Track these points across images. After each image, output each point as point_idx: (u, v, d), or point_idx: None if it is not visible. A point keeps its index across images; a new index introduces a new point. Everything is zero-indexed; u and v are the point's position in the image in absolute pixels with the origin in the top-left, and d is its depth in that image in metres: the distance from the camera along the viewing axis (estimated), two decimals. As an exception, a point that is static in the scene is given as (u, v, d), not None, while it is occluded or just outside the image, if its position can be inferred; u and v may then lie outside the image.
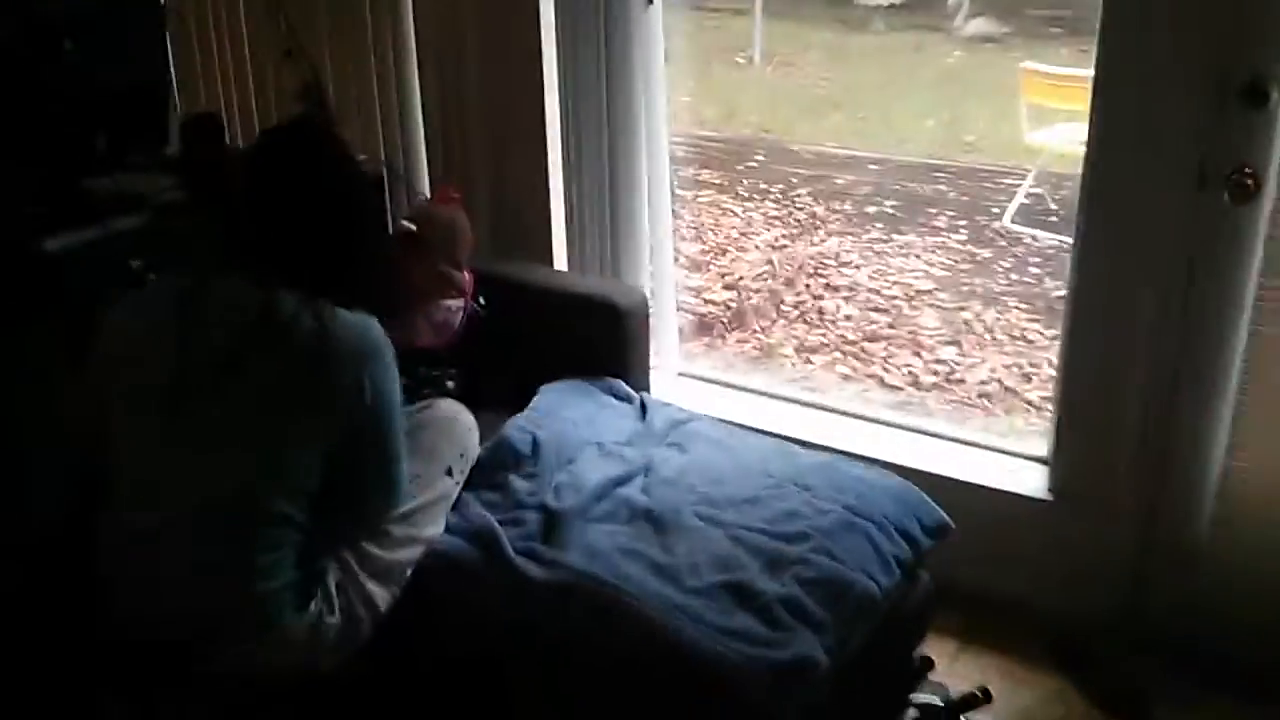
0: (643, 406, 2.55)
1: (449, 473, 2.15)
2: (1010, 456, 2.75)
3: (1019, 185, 5.27)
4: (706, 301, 4.62)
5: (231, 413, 1.83)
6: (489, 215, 3.05)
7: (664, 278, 3.04)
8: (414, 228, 2.68)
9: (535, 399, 2.52)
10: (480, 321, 2.73)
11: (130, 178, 2.96)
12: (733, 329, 4.45)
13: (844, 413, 2.97)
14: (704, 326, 4.42)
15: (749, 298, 4.64)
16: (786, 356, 4.26)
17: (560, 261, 3.00)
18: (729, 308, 4.59)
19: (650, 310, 2.78)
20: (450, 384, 2.66)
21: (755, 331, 4.43)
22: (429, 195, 3.16)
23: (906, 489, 2.25)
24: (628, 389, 2.60)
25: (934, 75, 7.07)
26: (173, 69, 3.47)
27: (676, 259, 5.17)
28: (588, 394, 2.57)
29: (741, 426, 2.81)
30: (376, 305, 2.04)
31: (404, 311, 2.73)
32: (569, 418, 2.44)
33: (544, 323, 2.72)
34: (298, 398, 1.85)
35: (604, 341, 2.64)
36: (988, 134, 6.37)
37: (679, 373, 3.13)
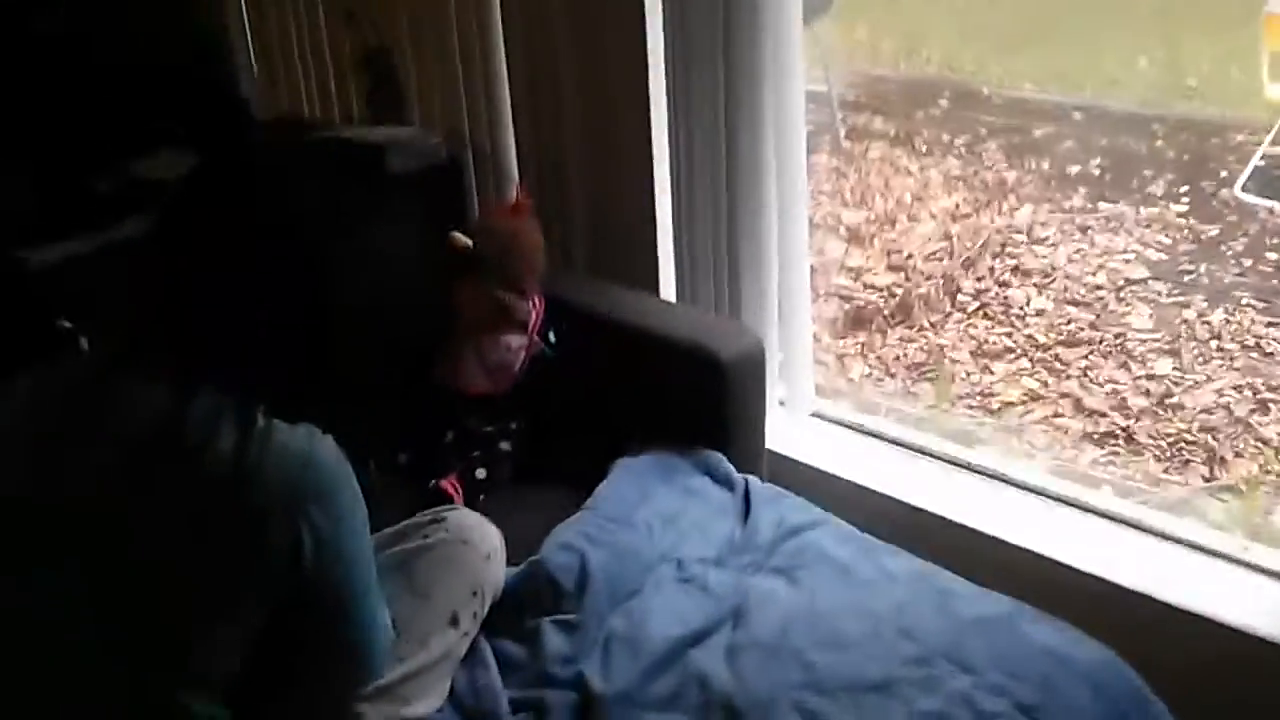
0: (746, 499, 1.85)
1: (454, 622, 1.51)
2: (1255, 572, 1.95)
3: (1255, 145, 4.24)
4: (867, 286, 3.84)
5: (104, 577, 1.23)
6: (585, 227, 2.36)
7: (797, 297, 2.29)
8: (469, 242, 2.03)
9: (604, 486, 1.85)
10: (548, 365, 2.09)
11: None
12: (895, 323, 3.65)
13: (1026, 487, 2.19)
14: (860, 319, 3.65)
15: (918, 285, 3.82)
16: (960, 363, 3.46)
17: (668, 288, 2.30)
18: (893, 295, 3.78)
19: (766, 354, 2.07)
20: (505, 445, 2.02)
21: (923, 329, 3.63)
22: (512, 190, 2.48)
23: (1113, 670, 1.50)
24: (729, 469, 1.90)
25: (1151, 2, 5.93)
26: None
27: (837, 229, 4.44)
28: (675, 476, 1.88)
29: (888, 501, 2.10)
30: (352, 409, 1.42)
31: (452, 346, 2.09)
32: (642, 520, 1.76)
33: (630, 372, 2.04)
34: (198, 559, 1.23)
35: (703, 402, 1.94)
36: (1214, 78, 5.26)
37: (812, 413, 2.40)
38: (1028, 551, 1.96)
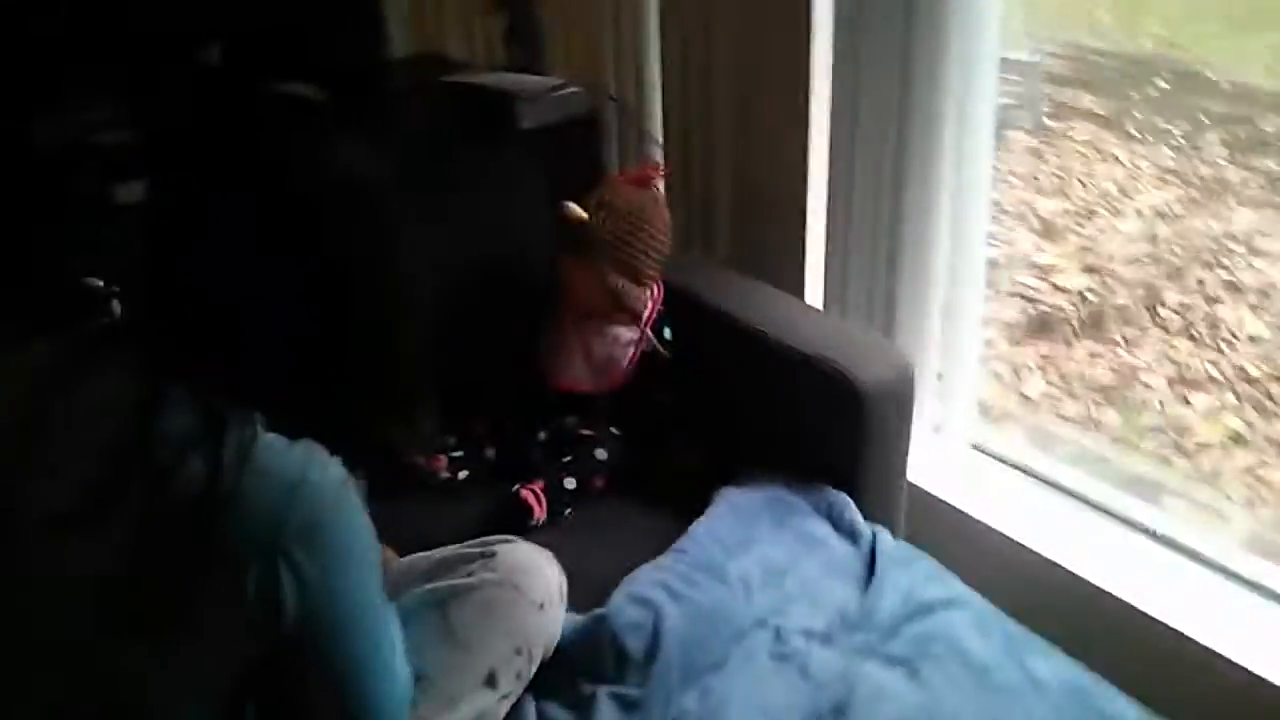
0: (872, 558, 1.53)
1: (491, 682, 1.25)
2: None
3: None
4: (1055, 289, 3.39)
5: (58, 618, 1.01)
6: (728, 212, 2.04)
7: (968, 304, 1.93)
8: (584, 215, 1.75)
9: (701, 522, 1.55)
10: (660, 367, 1.80)
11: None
12: (1084, 335, 3.21)
13: (1222, 569, 1.79)
14: (1044, 326, 3.21)
15: (1114, 292, 3.36)
16: (1153, 389, 3.00)
17: (814, 291, 1.97)
18: (1085, 301, 3.33)
19: (922, 373, 1.73)
20: (601, 454, 1.74)
21: (1115, 344, 3.18)
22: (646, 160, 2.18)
23: None
24: (856, 517, 1.57)
25: None
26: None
27: (1027, 219, 3.97)
28: (790, 517, 1.56)
29: (1050, 568, 1.74)
30: (370, 433, 1.17)
31: (554, 334, 1.82)
32: (740, 573, 1.45)
33: (754, 386, 1.73)
34: (156, 604, 1.00)
35: (835, 432, 1.61)
36: None
37: (973, 445, 2.04)
38: (1220, 657, 1.58)
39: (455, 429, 1.80)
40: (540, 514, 1.65)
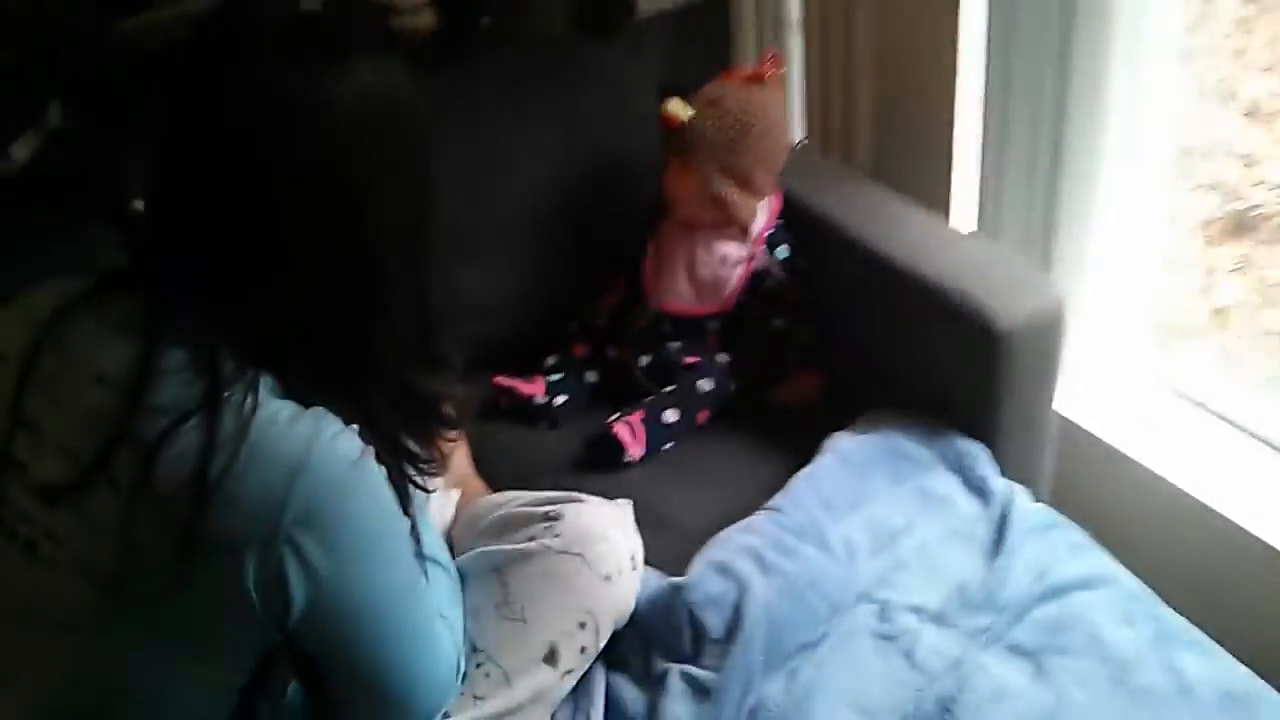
0: (1004, 523, 1.33)
1: (551, 658, 1.12)
2: None
3: None
4: (1259, 183, 2.99)
5: (56, 596, 0.93)
6: (870, 114, 1.78)
7: (1142, 212, 1.66)
8: (688, 113, 1.55)
9: (805, 474, 1.37)
10: (774, 290, 1.60)
11: None
12: (1291, 234, 2.83)
13: None
14: (1243, 226, 2.84)
15: (1330, 186, 2.94)
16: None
17: (964, 210, 1.71)
18: (1293, 196, 2.93)
19: (1082, 298, 1.48)
20: (706, 384, 1.56)
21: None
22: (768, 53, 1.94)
23: None
24: (989, 473, 1.36)
25: None
26: None
27: (1231, 100, 3.52)
28: (911, 470, 1.36)
29: (1233, 530, 1.50)
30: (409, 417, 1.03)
31: (656, 247, 1.64)
32: (843, 537, 1.27)
33: (879, 317, 1.52)
34: (148, 598, 0.89)
35: (969, 375, 1.40)
36: None
37: (1149, 375, 1.76)
38: None
39: (556, 350, 1.66)
40: (636, 451, 1.50)
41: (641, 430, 1.51)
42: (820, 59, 1.83)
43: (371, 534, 0.91)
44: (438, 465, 1.06)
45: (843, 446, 1.40)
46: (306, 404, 0.91)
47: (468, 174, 1.62)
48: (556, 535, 1.14)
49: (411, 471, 1.01)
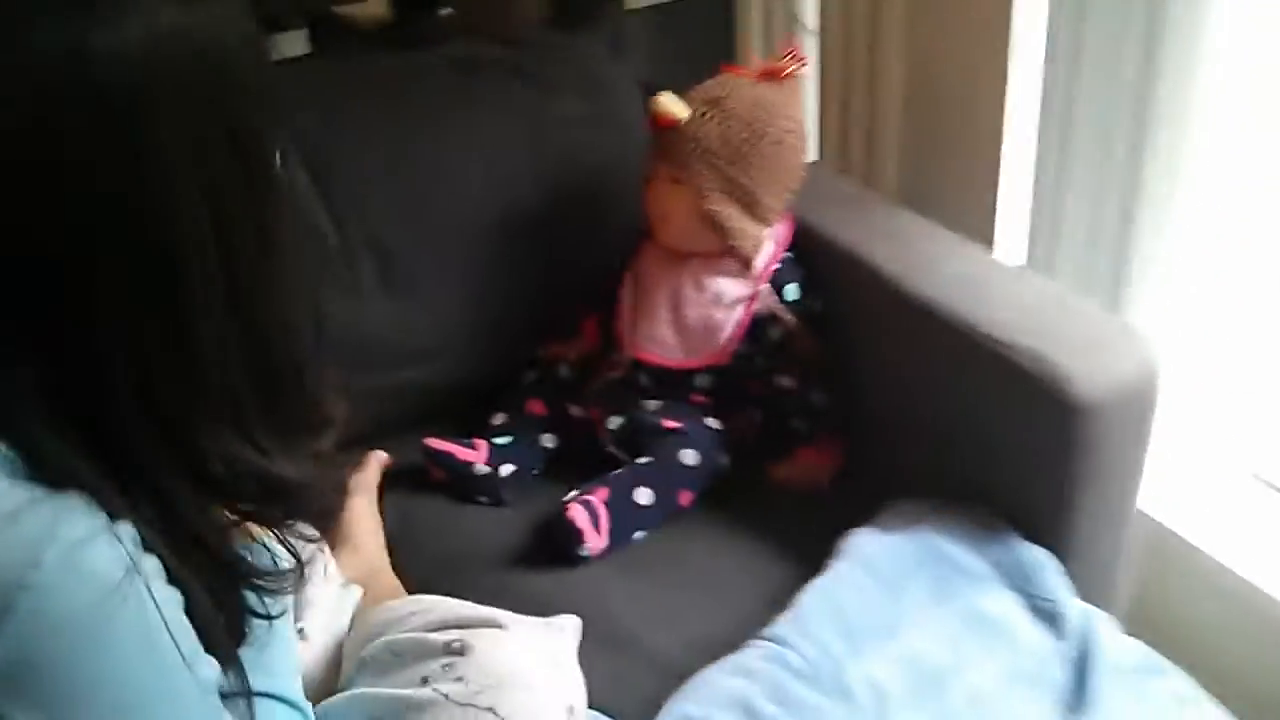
0: (1082, 663, 0.98)
1: None
2: None
3: None
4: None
5: None
6: (897, 128, 1.46)
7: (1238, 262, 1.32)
8: (683, 112, 1.22)
9: (817, 588, 1.02)
10: (780, 339, 1.26)
11: None
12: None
13: None
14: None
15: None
16: None
17: (1010, 241, 1.38)
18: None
19: (1156, 384, 1.14)
20: (690, 457, 1.20)
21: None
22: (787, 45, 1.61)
23: None
24: (1060, 590, 1.01)
25: None
26: None
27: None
28: (955, 585, 1.00)
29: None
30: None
31: (632, 281, 1.31)
32: (869, 678, 0.91)
33: (914, 375, 1.18)
34: None
35: (1032, 458, 1.06)
36: None
37: (1254, 473, 1.40)
38: None
39: (506, 407, 1.32)
40: (596, 543, 1.15)
41: (605, 514, 1.17)
42: (840, 64, 1.51)
43: (124, 705, 0.57)
44: (288, 583, 0.72)
45: (866, 549, 1.05)
46: (59, 484, 0.57)
47: (402, 184, 1.30)
48: (458, 679, 0.78)
49: (248, 594, 0.67)
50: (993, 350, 1.05)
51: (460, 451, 1.26)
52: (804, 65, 1.25)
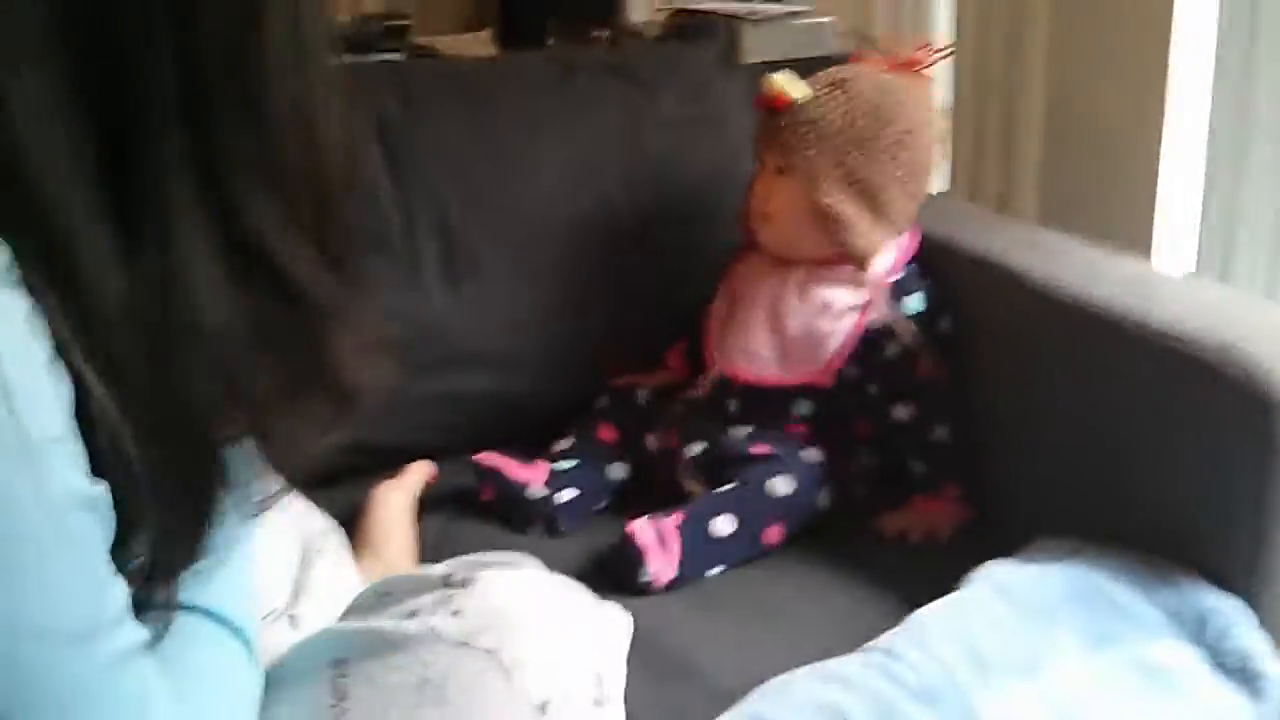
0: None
1: None
2: None
3: None
4: None
5: None
6: (1041, 130, 1.31)
7: None
8: (802, 92, 1.07)
9: (941, 604, 0.81)
10: (899, 356, 1.05)
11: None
12: None
13: None
14: None
15: None
16: None
17: (1171, 249, 1.19)
18: None
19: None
20: (781, 487, 1.00)
21: None
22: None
23: None
24: (1251, 642, 0.78)
25: None
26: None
27: None
28: (1118, 628, 0.78)
29: None
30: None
31: (727, 287, 1.14)
32: (1004, 713, 0.70)
33: (1063, 392, 0.97)
34: None
35: (1224, 484, 0.84)
36: None
37: None
38: None
39: (573, 429, 1.14)
40: (662, 569, 0.95)
41: (676, 539, 0.96)
42: (974, 87, 1.36)
43: None
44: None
45: (1003, 577, 0.82)
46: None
47: (480, 172, 1.17)
48: (454, 613, 0.58)
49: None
50: (1171, 348, 0.85)
51: (513, 469, 1.08)
52: (944, 56, 1.10)
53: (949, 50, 1.12)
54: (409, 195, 1.14)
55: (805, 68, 1.49)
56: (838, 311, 1.05)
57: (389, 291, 1.11)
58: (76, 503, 0.43)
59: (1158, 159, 1.13)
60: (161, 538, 0.48)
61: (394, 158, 1.15)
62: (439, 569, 0.61)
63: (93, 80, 0.44)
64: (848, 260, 1.05)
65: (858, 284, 1.05)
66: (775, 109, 1.06)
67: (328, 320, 0.53)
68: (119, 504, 0.45)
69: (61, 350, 0.43)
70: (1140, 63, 1.16)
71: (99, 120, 0.45)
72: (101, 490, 0.45)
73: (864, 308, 1.05)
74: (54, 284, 0.43)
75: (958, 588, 0.83)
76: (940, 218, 1.12)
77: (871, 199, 1.04)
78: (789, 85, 1.06)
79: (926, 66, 1.10)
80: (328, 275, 0.53)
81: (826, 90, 1.06)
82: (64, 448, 0.43)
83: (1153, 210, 1.14)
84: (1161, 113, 1.13)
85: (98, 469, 0.45)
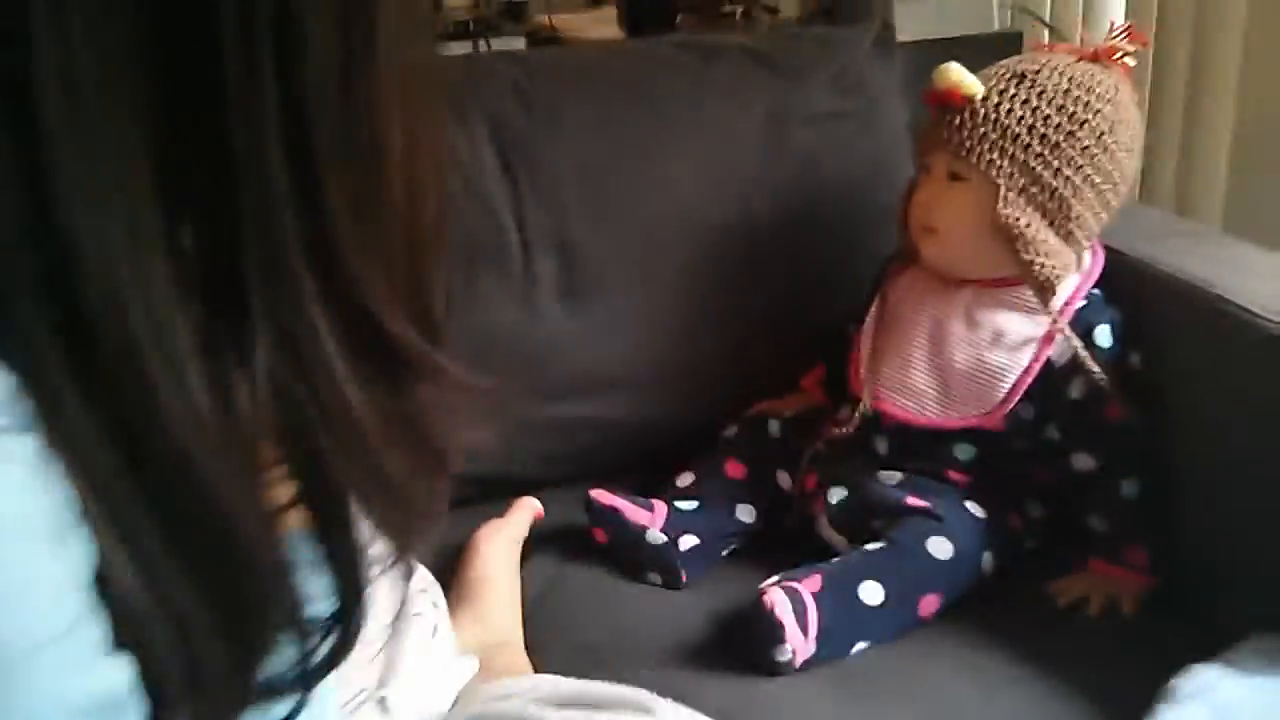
0: None
1: None
2: None
3: None
4: None
5: None
6: (1229, 120, 1.13)
7: None
8: (975, 87, 0.90)
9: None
10: (1086, 395, 0.88)
11: None
12: None
13: None
14: None
15: None
16: None
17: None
18: None
19: None
20: (940, 549, 0.86)
21: None
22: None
23: None
24: None
25: None
26: None
27: None
28: None
29: None
30: None
31: (882, 313, 1.00)
32: None
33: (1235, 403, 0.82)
34: None
35: None
36: None
37: None
38: None
39: (695, 466, 1.02)
40: (801, 644, 0.82)
41: (815, 610, 0.83)
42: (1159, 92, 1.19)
43: None
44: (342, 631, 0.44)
45: (1223, 695, 0.67)
46: None
47: (606, 179, 1.05)
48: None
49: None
50: None
51: (632, 511, 0.96)
52: (1143, 46, 0.94)
53: (1143, 43, 0.95)
54: (524, 204, 1.02)
55: (970, 48, 1.33)
56: (1013, 343, 0.90)
57: (500, 309, 1.00)
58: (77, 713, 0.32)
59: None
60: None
61: (509, 162, 1.03)
62: (558, 715, 0.49)
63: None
64: (1027, 283, 0.89)
65: (1037, 311, 0.90)
66: (949, 104, 0.91)
67: (437, 383, 0.44)
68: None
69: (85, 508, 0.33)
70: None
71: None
72: (122, 677, 0.34)
73: (1044, 339, 0.90)
74: (107, 399, 0.33)
75: (1160, 698, 0.69)
76: (1124, 230, 0.96)
77: (1061, 213, 0.89)
78: (964, 77, 0.90)
79: (1124, 56, 0.94)
80: (431, 337, 0.43)
81: (1007, 84, 0.90)
82: (65, 645, 0.32)
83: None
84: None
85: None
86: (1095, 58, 0.93)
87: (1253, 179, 1.12)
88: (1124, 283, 0.93)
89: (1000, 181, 0.88)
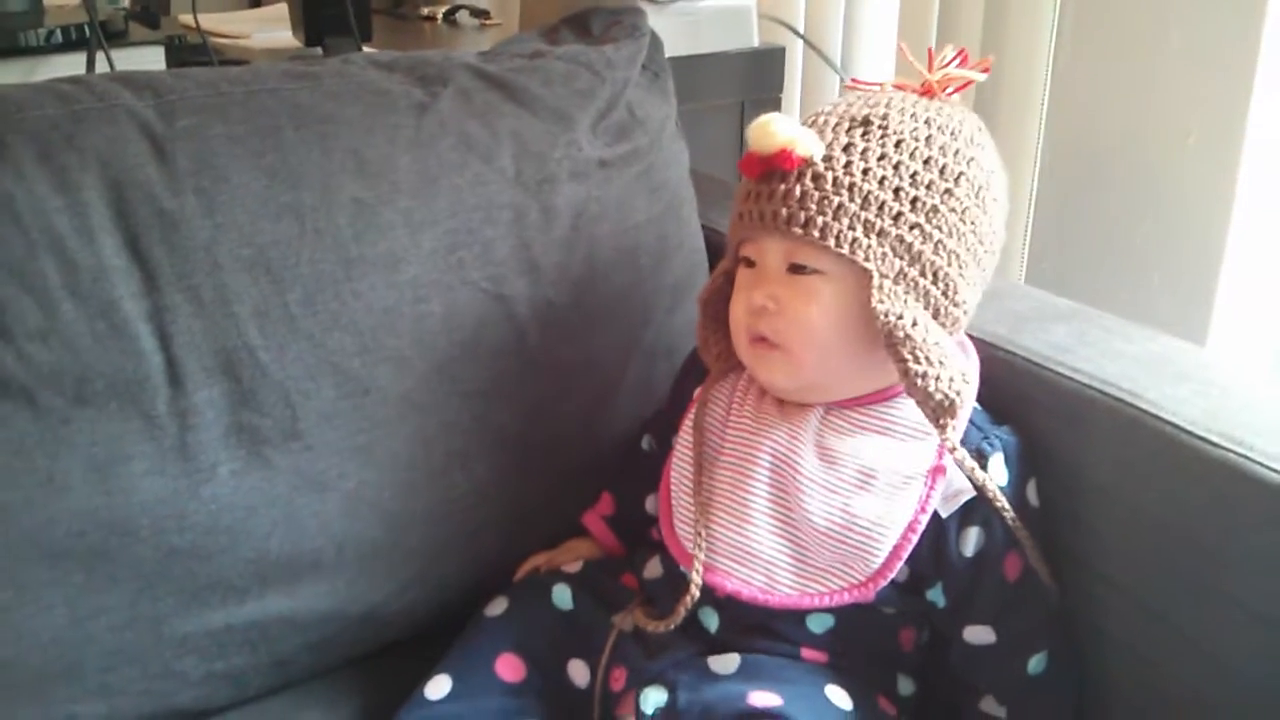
0: None
1: None
2: None
3: None
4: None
5: None
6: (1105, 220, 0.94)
7: None
8: (809, 146, 0.63)
9: None
10: (989, 550, 0.64)
11: None
12: None
13: None
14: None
15: None
16: None
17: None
18: None
19: None
20: None
21: None
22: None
23: None
24: None
25: None
26: None
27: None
28: None
29: None
30: None
31: (684, 452, 0.71)
32: None
33: (1249, 590, 0.62)
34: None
35: None
36: None
37: None
38: None
39: (446, 660, 0.70)
40: None
41: None
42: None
43: None
44: None
45: None
46: None
47: (278, 268, 0.70)
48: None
49: None
50: None
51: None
52: (985, 73, 0.70)
53: (985, 68, 0.73)
54: (168, 309, 0.66)
55: (726, 66, 1.10)
56: (888, 485, 0.64)
57: (135, 475, 0.64)
58: None
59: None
60: None
61: (141, 247, 0.66)
62: None
63: None
64: (919, 404, 0.64)
65: (914, 436, 0.65)
66: (777, 169, 0.64)
67: None
68: None
69: None
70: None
71: None
72: None
73: (930, 476, 0.65)
74: None
75: None
76: (997, 316, 0.74)
77: (946, 298, 0.63)
78: (793, 133, 0.64)
79: (963, 86, 0.70)
80: None
81: (854, 134, 0.65)
82: None
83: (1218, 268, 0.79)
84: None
85: None
86: (930, 92, 0.69)
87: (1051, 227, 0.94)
88: (1003, 384, 0.70)
89: (870, 266, 0.62)
